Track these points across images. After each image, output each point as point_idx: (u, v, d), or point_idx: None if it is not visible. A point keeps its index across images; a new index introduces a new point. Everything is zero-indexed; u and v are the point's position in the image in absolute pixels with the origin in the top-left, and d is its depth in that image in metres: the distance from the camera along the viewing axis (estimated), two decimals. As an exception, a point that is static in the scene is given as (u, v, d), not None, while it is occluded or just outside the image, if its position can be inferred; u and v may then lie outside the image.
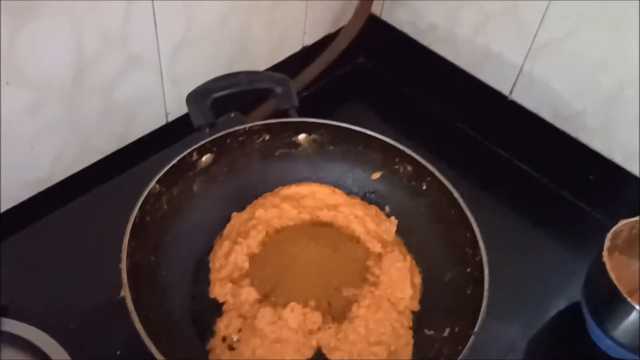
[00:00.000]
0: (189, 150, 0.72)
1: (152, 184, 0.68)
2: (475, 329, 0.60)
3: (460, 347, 0.61)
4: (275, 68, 1.01)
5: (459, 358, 0.58)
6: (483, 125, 1.02)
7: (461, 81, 1.02)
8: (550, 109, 0.93)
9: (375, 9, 1.07)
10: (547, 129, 0.94)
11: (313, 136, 0.80)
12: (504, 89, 0.98)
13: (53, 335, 0.66)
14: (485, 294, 0.63)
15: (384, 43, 1.12)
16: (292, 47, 1.03)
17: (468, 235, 0.69)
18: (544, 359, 0.78)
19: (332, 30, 1.07)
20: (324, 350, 0.66)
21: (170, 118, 0.91)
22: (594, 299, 0.75)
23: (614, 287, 0.69)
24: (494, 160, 1.00)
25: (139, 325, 0.57)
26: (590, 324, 0.74)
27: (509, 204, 0.94)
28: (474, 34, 0.97)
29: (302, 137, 0.79)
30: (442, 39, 1.02)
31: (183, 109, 0.90)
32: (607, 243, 0.73)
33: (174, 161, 0.70)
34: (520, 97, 0.96)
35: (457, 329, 0.65)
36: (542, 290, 0.83)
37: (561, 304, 0.82)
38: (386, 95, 1.11)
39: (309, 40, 1.04)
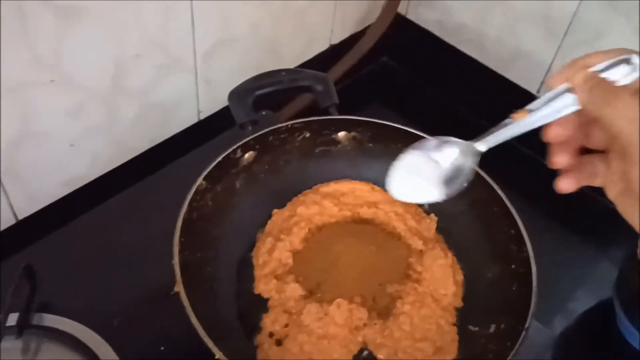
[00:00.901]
0: (233, 147, 0.72)
1: (200, 180, 0.68)
2: (527, 325, 0.60)
3: (509, 343, 0.61)
4: (304, 66, 1.02)
5: (512, 353, 0.59)
6: (510, 124, 1.02)
7: (488, 80, 1.03)
8: (579, 108, 0.94)
9: (401, 7, 1.07)
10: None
11: (353, 134, 0.80)
12: (532, 88, 0.98)
13: (96, 330, 0.66)
14: (534, 290, 0.63)
15: (409, 42, 1.12)
16: (319, 45, 1.03)
17: (512, 232, 0.69)
18: (575, 355, 0.79)
19: (359, 29, 1.07)
20: (370, 347, 0.66)
21: (202, 116, 0.92)
22: (627, 296, 0.74)
23: (648, 284, 0.69)
24: (521, 159, 1.00)
25: (194, 320, 0.57)
26: (623, 320, 0.74)
27: (537, 203, 0.93)
28: (502, 34, 0.98)
29: (342, 134, 0.80)
30: (469, 39, 1.03)
31: (215, 107, 0.92)
32: (641, 241, 0.73)
33: (219, 158, 0.70)
34: (548, 96, 0.97)
35: (503, 326, 0.65)
36: (573, 287, 0.84)
37: (592, 301, 0.82)
38: (410, 95, 1.11)
39: (336, 39, 1.05)
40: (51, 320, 0.67)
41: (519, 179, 0.96)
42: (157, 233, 0.66)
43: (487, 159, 0.92)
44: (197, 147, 0.91)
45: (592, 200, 0.93)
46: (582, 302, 0.82)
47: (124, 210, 0.83)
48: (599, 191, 0.92)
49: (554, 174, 0.95)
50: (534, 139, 0.97)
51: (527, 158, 1.00)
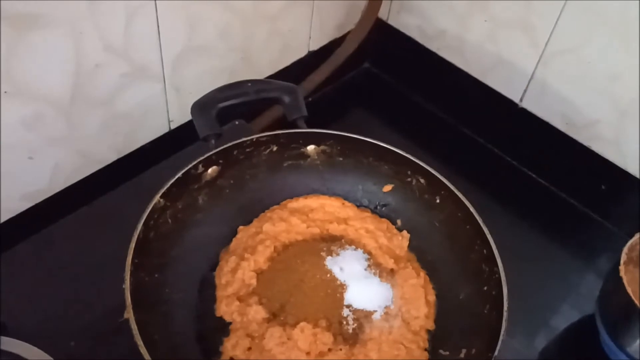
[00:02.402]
0: (194, 162, 0.69)
1: (157, 198, 0.65)
2: (496, 353, 0.58)
3: (478, 370, 0.59)
4: (280, 73, 0.99)
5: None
6: (492, 133, 1.01)
7: (470, 88, 1.01)
8: (563, 117, 0.91)
9: (382, 13, 1.05)
10: (559, 137, 0.93)
11: (322, 147, 0.77)
12: (515, 97, 0.96)
13: (53, 354, 0.64)
14: (505, 315, 0.60)
15: (391, 48, 1.10)
16: (297, 52, 1.01)
17: (485, 252, 0.66)
18: None
19: (338, 35, 1.05)
20: (334, 375, 0.63)
21: (173, 125, 0.89)
22: (609, 313, 0.73)
23: (631, 302, 0.67)
24: (502, 168, 0.99)
25: (143, 350, 0.54)
26: (605, 338, 0.73)
27: (518, 214, 0.92)
28: (484, 41, 0.95)
29: (311, 148, 0.77)
30: (451, 45, 1.00)
31: (186, 116, 0.89)
32: (623, 257, 0.71)
33: (179, 174, 0.68)
34: (532, 105, 0.95)
35: (473, 350, 0.63)
36: (554, 303, 0.82)
37: (574, 317, 0.80)
38: (392, 102, 1.10)
39: (315, 46, 1.02)
40: (5, 343, 0.65)
41: (498, 187, 0.94)
42: (121, 250, 0.63)
43: (472, 170, 0.92)
44: (169, 156, 0.88)
45: (575, 213, 0.92)
46: (564, 318, 0.80)
47: (88, 225, 0.80)
48: (584, 202, 0.92)
49: (535, 183, 0.94)
50: (518, 148, 0.96)
51: (507, 166, 0.98)
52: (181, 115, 0.89)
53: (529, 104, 0.95)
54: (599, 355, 0.74)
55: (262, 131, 0.75)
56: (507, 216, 0.91)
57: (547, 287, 0.83)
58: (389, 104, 1.09)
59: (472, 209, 0.68)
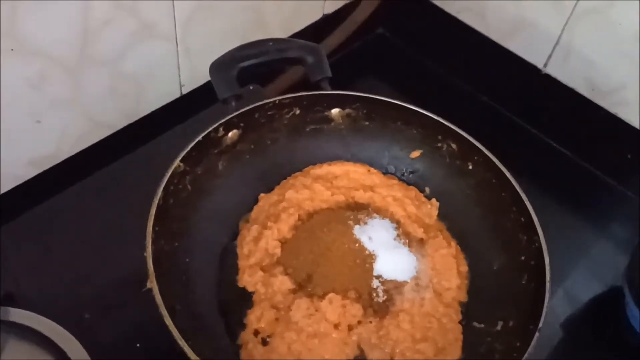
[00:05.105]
0: (215, 125, 0.66)
1: (176, 162, 0.62)
2: (540, 325, 0.55)
3: (518, 343, 0.56)
4: (294, 37, 0.96)
5: (525, 357, 0.53)
6: (514, 100, 0.97)
7: (491, 53, 0.97)
8: (588, 83, 0.89)
9: (398, -25, 1.01)
10: (584, 104, 0.90)
11: (347, 110, 0.74)
12: (538, 62, 0.93)
13: (65, 326, 0.62)
14: (548, 285, 0.58)
15: (406, 12, 1.06)
16: (312, 15, 0.97)
17: (522, 220, 0.64)
18: (578, 343, 0.75)
19: (354, -3, 1.01)
20: (363, 348, 0.61)
21: (185, 90, 0.86)
22: (638, 284, 0.70)
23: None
24: (524, 137, 0.96)
25: (168, 321, 0.51)
26: (633, 309, 0.70)
27: (539, 183, 0.88)
28: (506, 2, 0.92)
29: (335, 111, 0.74)
30: (471, 8, 0.97)
31: (198, 81, 0.86)
32: (655, 227, 0.68)
33: (199, 137, 0.64)
34: (556, 70, 0.91)
35: (511, 323, 0.61)
36: (576, 273, 0.80)
37: (597, 288, 0.79)
38: (407, 69, 1.06)
39: (330, 8, 0.99)
40: (15, 314, 0.63)
41: (519, 156, 0.91)
42: (133, 219, 0.61)
43: (493, 140, 0.89)
44: (180, 123, 0.86)
45: (599, 182, 0.90)
46: (587, 289, 0.79)
47: (97, 193, 0.77)
48: (609, 172, 0.89)
49: (557, 152, 0.91)
50: (541, 116, 0.93)
51: (528, 135, 0.95)
52: (193, 79, 0.86)
53: (553, 70, 0.92)
54: (625, 326, 0.72)
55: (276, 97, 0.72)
56: (527, 185, 0.88)
57: (570, 258, 0.81)
58: (404, 71, 1.05)
59: (509, 175, 0.66)
